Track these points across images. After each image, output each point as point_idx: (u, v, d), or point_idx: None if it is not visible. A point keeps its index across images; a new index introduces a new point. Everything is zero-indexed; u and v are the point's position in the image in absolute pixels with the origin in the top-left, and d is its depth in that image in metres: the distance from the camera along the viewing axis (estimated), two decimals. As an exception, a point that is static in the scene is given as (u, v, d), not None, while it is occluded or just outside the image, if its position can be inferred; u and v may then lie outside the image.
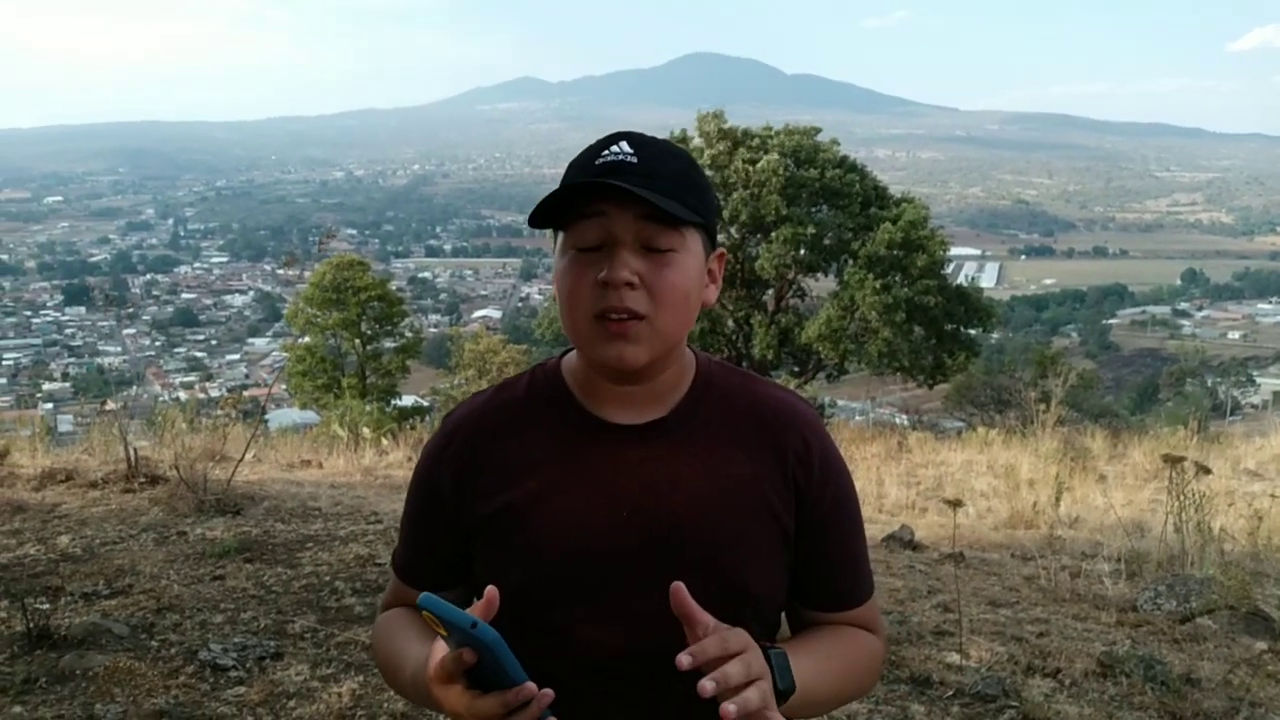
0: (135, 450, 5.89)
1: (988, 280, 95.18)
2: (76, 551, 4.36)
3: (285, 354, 22.92)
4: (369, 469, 7.37)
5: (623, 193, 1.06)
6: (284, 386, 21.99)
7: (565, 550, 1.13)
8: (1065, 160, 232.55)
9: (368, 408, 15.24)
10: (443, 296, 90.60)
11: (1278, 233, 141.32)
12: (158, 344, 72.44)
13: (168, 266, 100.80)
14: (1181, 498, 5.02)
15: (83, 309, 72.51)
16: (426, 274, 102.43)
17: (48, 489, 5.51)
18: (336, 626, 3.61)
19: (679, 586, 1.00)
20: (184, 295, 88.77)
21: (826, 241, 19.17)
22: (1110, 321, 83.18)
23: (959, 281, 21.48)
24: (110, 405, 8.11)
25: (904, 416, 25.93)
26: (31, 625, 3.29)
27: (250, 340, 73.00)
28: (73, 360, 63.85)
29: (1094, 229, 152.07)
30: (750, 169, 18.60)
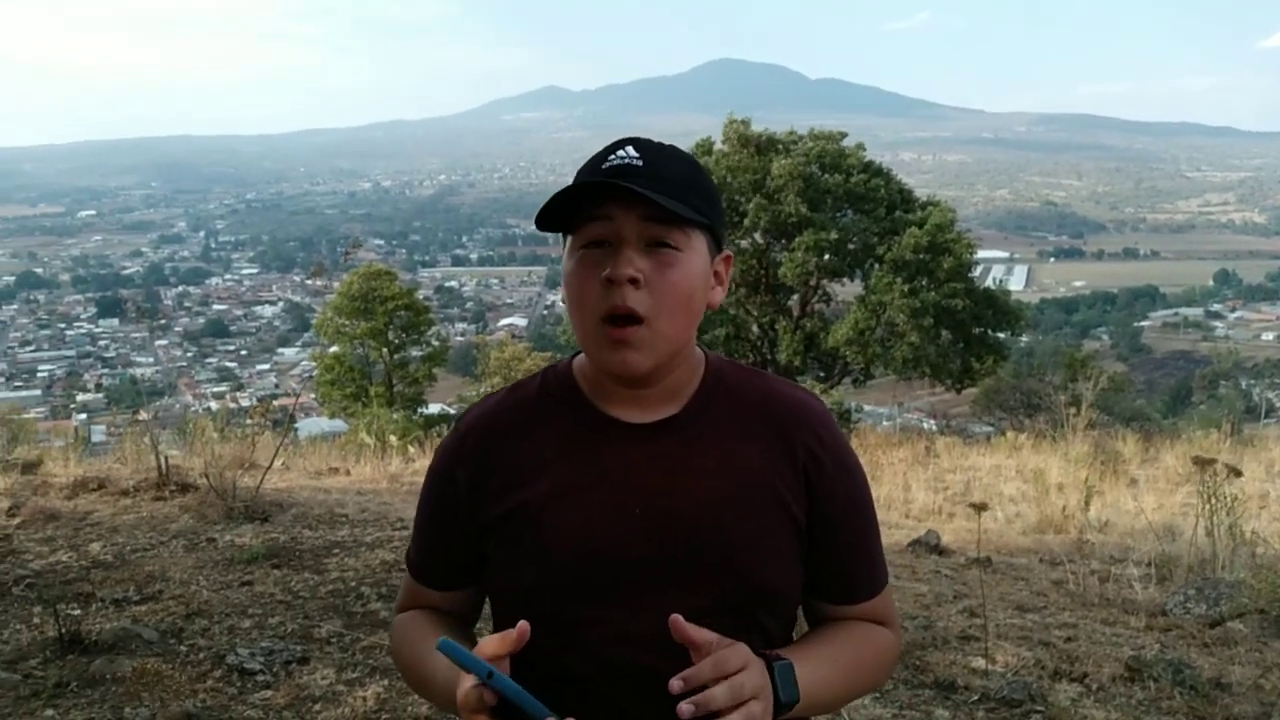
0: (166, 459, 5.97)
1: (1016, 283, 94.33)
2: (108, 558, 4.42)
3: (313, 363, 23.12)
4: (395, 476, 7.42)
5: (627, 194, 1.08)
6: (313, 396, 22.20)
7: (577, 550, 1.14)
8: (1094, 161, 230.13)
9: (395, 416, 15.35)
10: (469, 305, 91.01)
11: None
12: (189, 355, 73.31)
13: (199, 278, 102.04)
14: (1212, 501, 4.96)
15: (116, 321, 73.50)
16: (453, 283, 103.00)
17: (80, 497, 5.60)
18: (362, 631, 3.64)
19: (676, 619, 1.03)
20: (215, 306, 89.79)
21: (851, 246, 19.11)
22: (1142, 324, 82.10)
23: (987, 284, 21.33)
24: (142, 415, 8.22)
25: (932, 421, 25.76)
26: (63, 631, 3.34)
27: (280, 350, 73.68)
28: (106, 371, 64.77)
29: (1124, 230, 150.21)
30: (768, 173, 18.59)
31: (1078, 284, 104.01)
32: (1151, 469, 9.05)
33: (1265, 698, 3.22)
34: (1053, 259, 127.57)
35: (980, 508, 4.11)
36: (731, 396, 1.22)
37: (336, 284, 21.19)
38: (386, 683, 3.17)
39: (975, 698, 3.19)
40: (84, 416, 37.87)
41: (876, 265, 18.78)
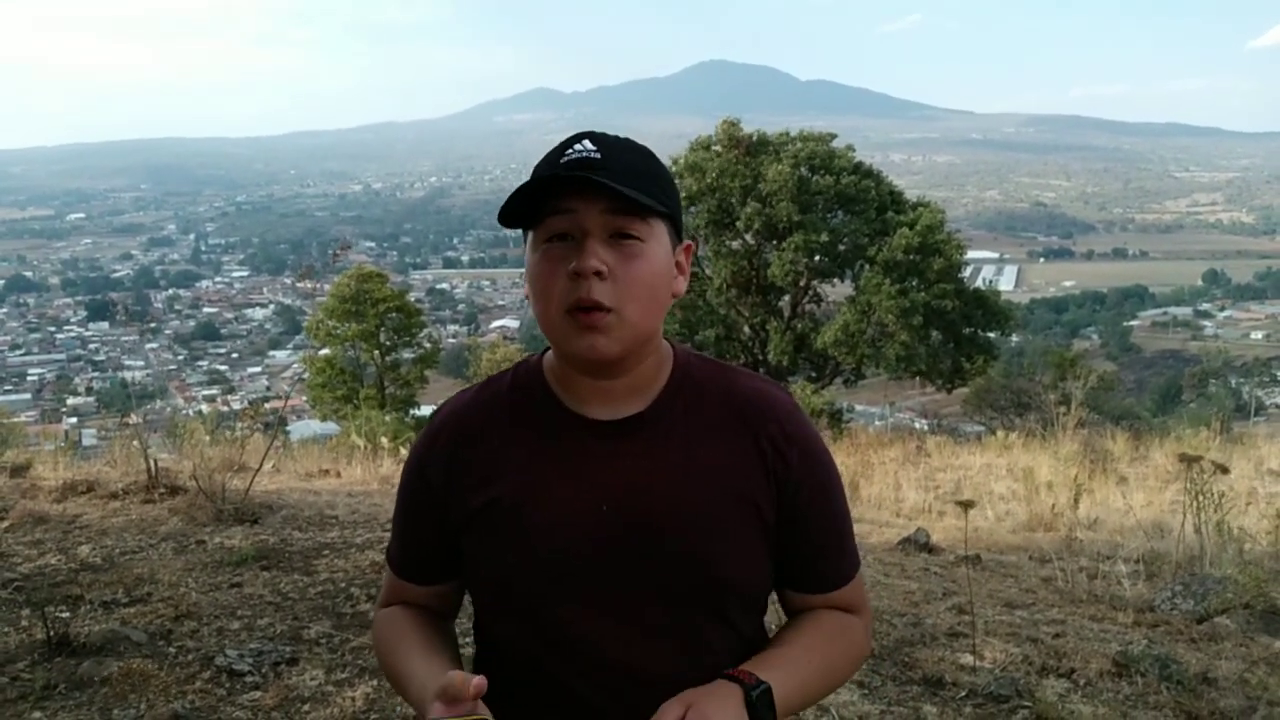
0: (156, 462, 5.95)
1: (1006, 283, 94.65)
2: (96, 561, 4.41)
3: (305, 366, 23.07)
4: (386, 478, 7.41)
5: (589, 185, 1.09)
6: (304, 398, 22.14)
7: (547, 546, 1.15)
8: (1083, 162, 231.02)
9: (386, 418, 15.32)
10: (461, 307, 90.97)
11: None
12: (180, 358, 73.06)
13: (189, 281, 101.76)
14: (1200, 498, 4.99)
15: (106, 324, 73.18)
16: (444, 285, 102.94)
17: (69, 500, 5.57)
18: (351, 632, 3.64)
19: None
20: (205, 309, 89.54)
21: (842, 247, 19.14)
22: (1131, 323, 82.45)
23: (977, 285, 21.41)
24: (133, 419, 8.19)
25: (923, 421, 25.85)
26: (52, 633, 3.33)
27: (271, 353, 73.51)
28: (96, 375, 64.55)
29: (1113, 230, 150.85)
30: (761, 178, 18.61)
31: (1067, 284, 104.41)
32: (1141, 467, 9.09)
33: (1251, 692, 3.25)
34: (1042, 259, 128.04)
35: (967, 505, 4.13)
36: (698, 392, 1.22)
37: (327, 286, 21.14)
38: (375, 683, 3.16)
39: (963, 694, 3.20)
40: (74, 420, 37.73)
41: (867, 266, 18.81)
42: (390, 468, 8.00)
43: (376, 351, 21.35)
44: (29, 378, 65.67)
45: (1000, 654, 3.57)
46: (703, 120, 20.47)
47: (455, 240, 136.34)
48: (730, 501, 1.17)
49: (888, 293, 17.61)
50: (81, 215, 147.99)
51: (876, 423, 20.91)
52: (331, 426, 19.19)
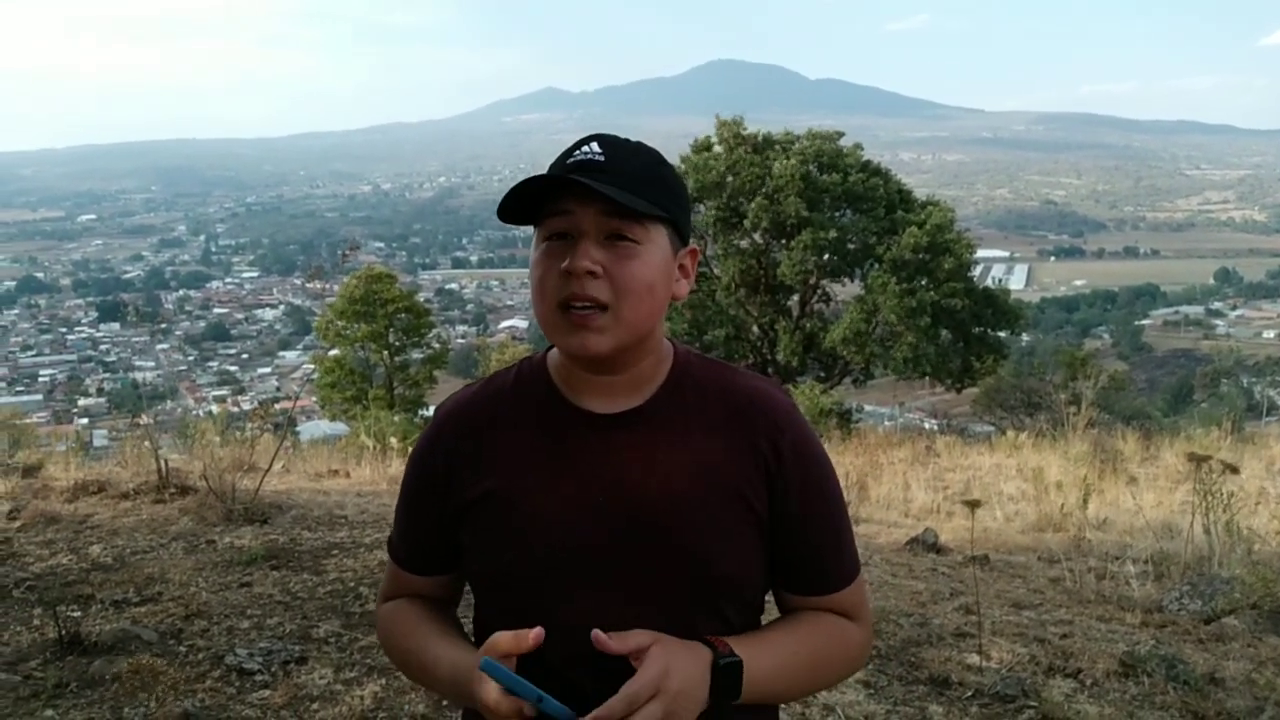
0: (166, 462, 5.98)
1: (1016, 282, 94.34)
2: (108, 560, 4.44)
3: (314, 367, 23.12)
4: (395, 478, 7.42)
5: (585, 189, 1.11)
6: (314, 399, 22.19)
7: (543, 537, 1.17)
8: (1093, 160, 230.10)
9: (395, 418, 15.36)
10: (469, 307, 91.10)
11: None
12: (190, 358, 73.42)
13: (200, 282, 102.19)
14: (1209, 498, 4.97)
15: (117, 325, 73.62)
16: (453, 285, 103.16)
17: (80, 500, 5.61)
18: (360, 631, 3.66)
19: (596, 634, 1.10)
20: (216, 310, 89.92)
21: (850, 246, 19.11)
22: (1143, 322, 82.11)
23: (987, 284, 21.34)
24: (143, 420, 8.24)
25: (932, 421, 25.78)
26: (63, 632, 3.36)
27: (281, 354, 73.76)
28: (108, 376, 64.89)
29: (1124, 229, 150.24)
30: (768, 174, 18.59)
31: (1078, 283, 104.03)
32: (1152, 467, 9.06)
33: (1258, 692, 3.24)
34: (1053, 258, 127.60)
35: (974, 505, 4.13)
36: (697, 389, 1.24)
37: (336, 287, 21.20)
38: (384, 682, 3.18)
39: (969, 694, 3.21)
40: (85, 421, 37.91)
41: (876, 265, 18.78)
42: (399, 468, 8.02)
43: (385, 352, 21.39)
44: (40, 379, 66.06)
45: (1007, 654, 3.57)
46: (711, 120, 20.43)
47: (464, 240, 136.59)
48: (724, 499, 1.18)
49: (893, 292, 17.58)
50: (92, 217, 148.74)
51: (886, 423, 20.86)
52: (341, 427, 19.25)
